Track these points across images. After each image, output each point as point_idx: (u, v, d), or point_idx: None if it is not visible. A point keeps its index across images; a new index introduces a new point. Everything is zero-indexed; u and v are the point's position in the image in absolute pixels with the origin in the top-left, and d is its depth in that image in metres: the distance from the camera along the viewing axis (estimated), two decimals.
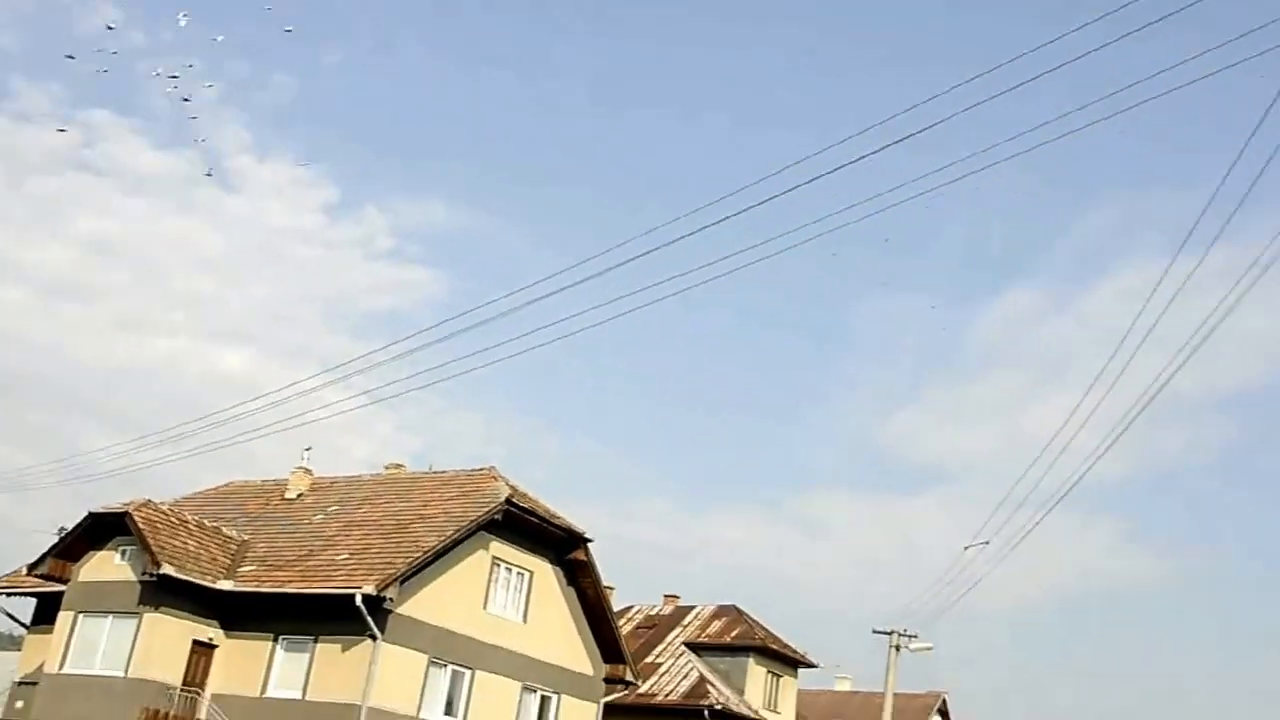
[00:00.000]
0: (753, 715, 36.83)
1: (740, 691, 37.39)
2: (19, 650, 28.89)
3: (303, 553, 24.16)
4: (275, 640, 22.85)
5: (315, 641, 22.22)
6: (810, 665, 41.74)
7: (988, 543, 21.53)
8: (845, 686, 57.50)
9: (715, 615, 41.60)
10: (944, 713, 55.97)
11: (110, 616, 22.70)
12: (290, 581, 22.78)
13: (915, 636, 32.49)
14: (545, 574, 26.41)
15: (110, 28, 76.97)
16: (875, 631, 32.70)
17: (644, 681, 34.59)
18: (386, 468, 30.38)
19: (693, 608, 42.74)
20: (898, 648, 32.45)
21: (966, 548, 22.81)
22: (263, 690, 22.54)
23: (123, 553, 23.27)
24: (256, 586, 22.93)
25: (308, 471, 29.09)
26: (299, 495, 28.27)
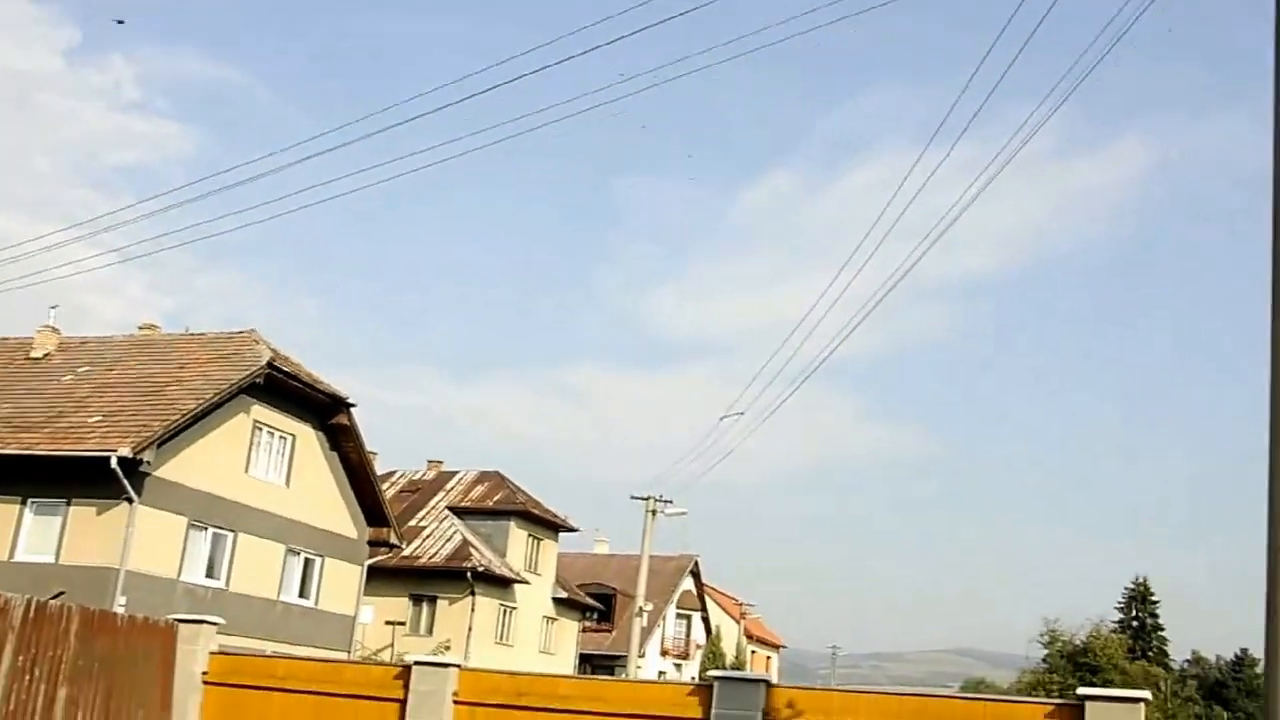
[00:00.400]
0: (514, 576, 40.00)
1: (502, 554, 40.38)
2: None
3: (52, 414, 24.57)
4: (24, 503, 23.33)
5: (68, 505, 22.88)
6: (570, 529, 45.25)
7: (742, 414, 24.40)
8: (603, 550, 62.10)
9: (478, 480, 44.17)
10: (696, 574, 61.51)
11: None
12: (39, 444, 23.23)
13: (671, 502, 36.20)
14: (308, 438, 27.83)
15: None
16: (633, 497, 36.17)
17: (408, 545, 36.89)
18: (140, 328, 30.58)
19: (456, 473, 45.14)
20: (654, 513, 36.08)
21: (722, 418, 25.62)
22: (10, 554, 23.12)
23: None
24: (1, 448, 23.25)
25: (55, 330, 28.98)
26: (45, 355, 28.24)
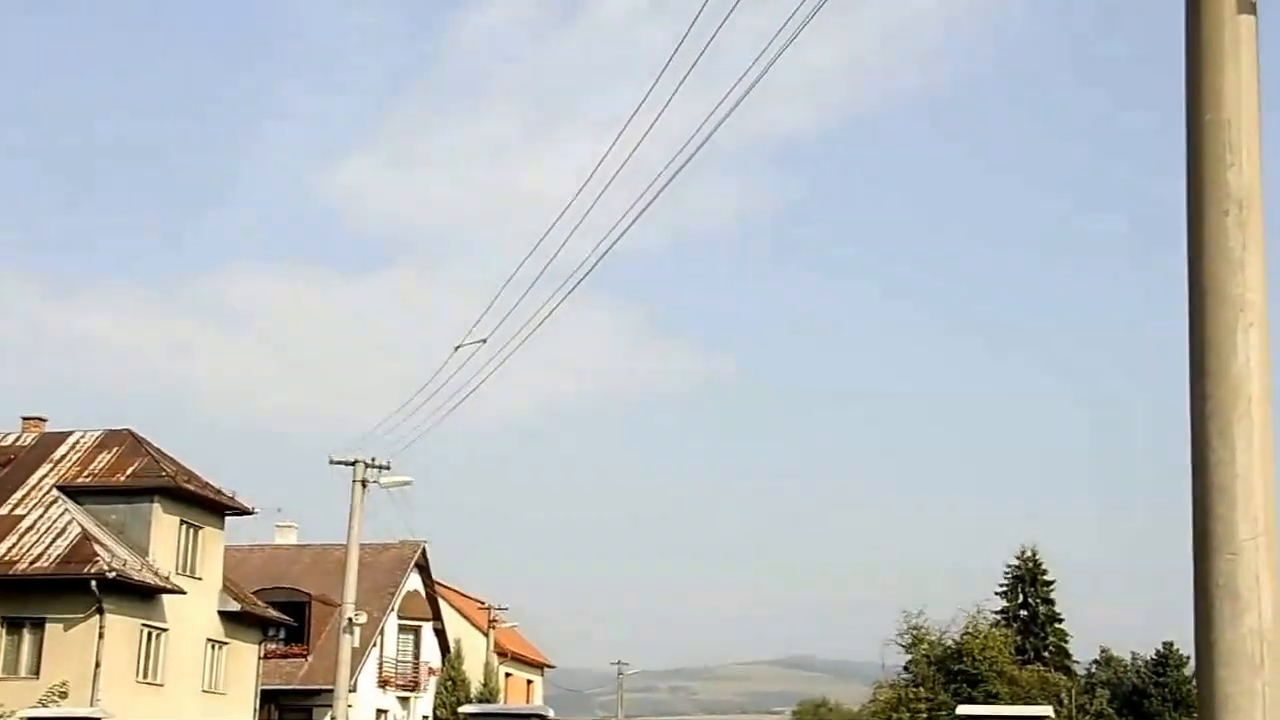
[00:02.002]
0: (160, 583, 40.01)
1: (142, 552, 40.27)
2: None
3: None
4: None
5: None
6: (242, 511, 45.47)
7: (484, 341, 25.31)
8: (290, 539, 62.46)
9: (101, 445, 43.66)
10: (424, 568, 62.77)
11: None
12: None
13: (387, 468, 36.91)
14: None
15: None
16: (334, 462, 36.67)
17: None
18: None
19: (67, 435, 44.43)
20: (364, 483, 36.77)
21: (458, 347, 26.49)
22: None
23: None
24: None
25: None
26: None
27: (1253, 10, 6.62)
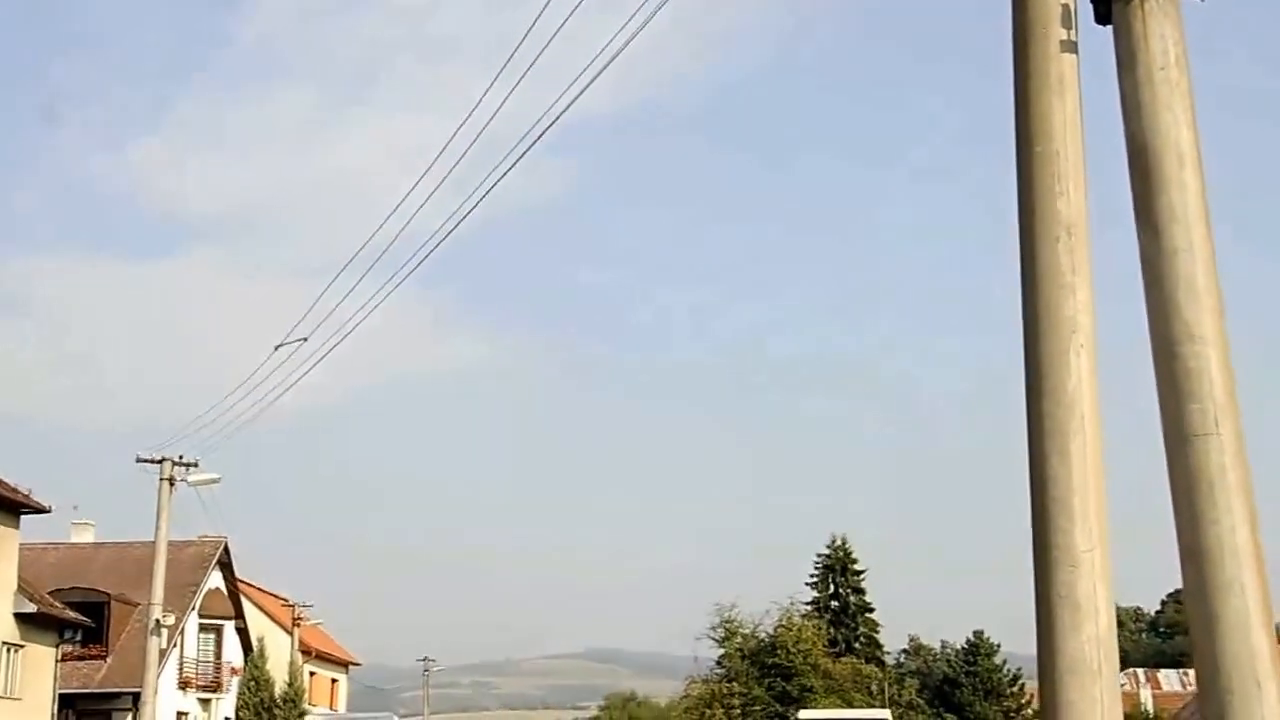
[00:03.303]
0: None
1: None
2: None
3: None
4: None
5: None
6: (38, 509, 44.48)
7: (305, 339, 25.38)
8: (87, 537, 61.13)
9: None
10: (226, 565, 62.01)
11: None
12: None
13: (196, 465, 36.60)
14: None
15: None
16: (141, 460, 36.26)
17: None
18: None
19: None
20: (171, 481, 36.38)
21: (278, 346, 26.56)
22: None
23: None
24: None
25: None
26: None
27: (1075, 50, 7.17)
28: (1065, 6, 7.15)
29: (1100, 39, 7.24)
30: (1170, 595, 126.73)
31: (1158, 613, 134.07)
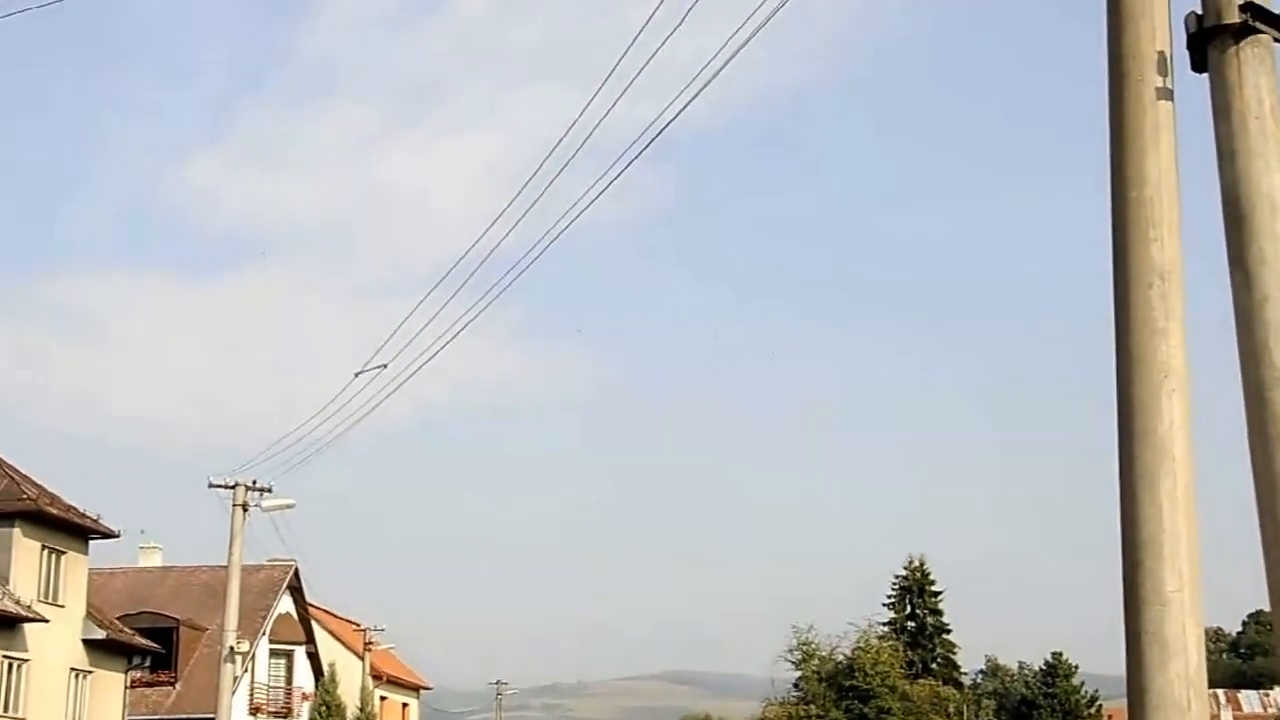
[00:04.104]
0: (23, 612, 39.68)
1: (3, 579, 39.89)
2: None
3: None
4: None
5: None
6: (107, 534, 45.15)
7: (384, 367, 25.74)
8: (155, 561, 61.97)
9: None
10: (297, 590, 62.64)
11: None
12: None
13: (269, 490, 37.05)
14: None
15: None
16: (214, 485, 36.74)
17: None
18: None
19: None
20: (245, 507, 36.83)
21: (358, 373, 26.95)
22: None
23: None
24: None
25: None
26: None
27: (1170, 97, 7.35)
28: (1161, 54, 7.35)
29: (1197, 86, 7.43)
30: (1251, 616, 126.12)
31: (1239, 634, 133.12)
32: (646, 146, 14.42)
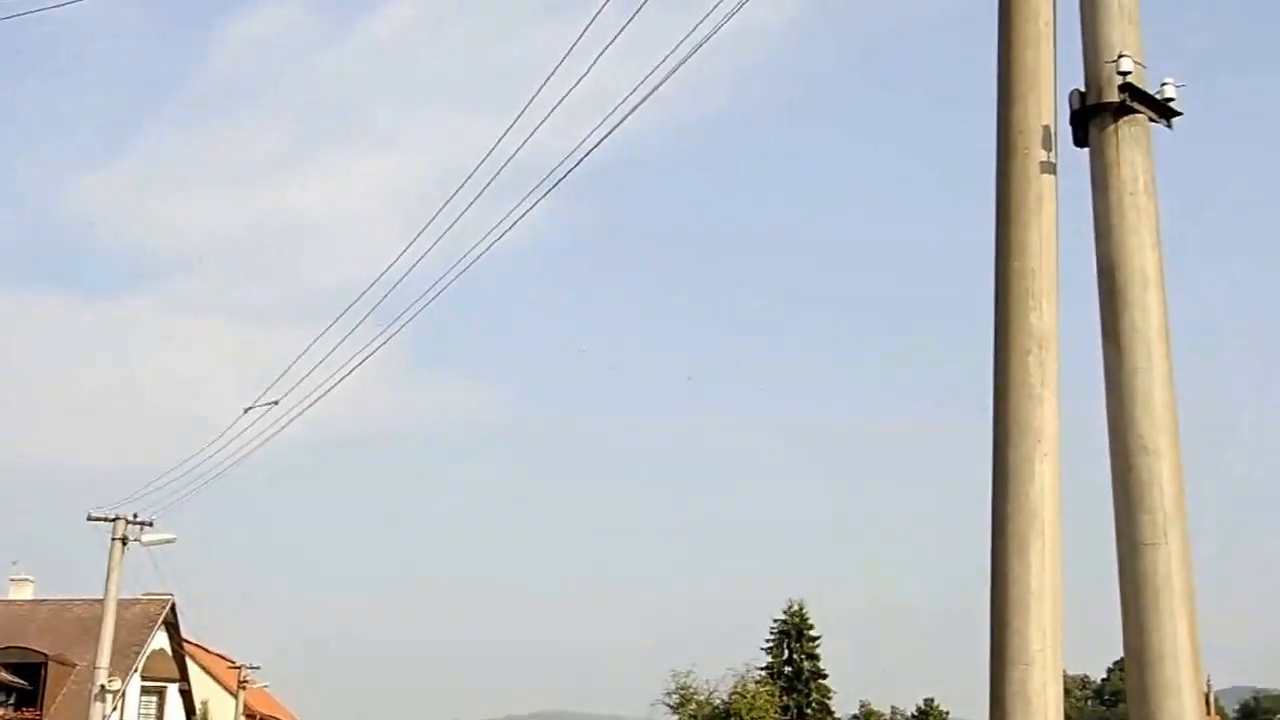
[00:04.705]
0: None
1: None
2: None
3: None
4: None
5: None
6: None
7: (276, 402, 25.53)
8: (26, 594, 60.57)
9: None
10: (172, 625, 61.53)
11: None
12: None
13: (150, 525, 36.51)
14: None
15: None
16: (92, 518, 36.15)
17: None
18: None
19: None
20: (124, 541, 36.27)
21: (248, 409, 26.73)
22: None
23: None
24: None
25: None
26: None
27: (1053, 171, 7.60)
28: (1046, 128, 7.61)
29: (1079, 161, 7.68)
30: (1116, 663, 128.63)
31: (1104, 680, 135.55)
32: (561, 180, 14.43)
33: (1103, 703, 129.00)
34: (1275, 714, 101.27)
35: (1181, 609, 7.13)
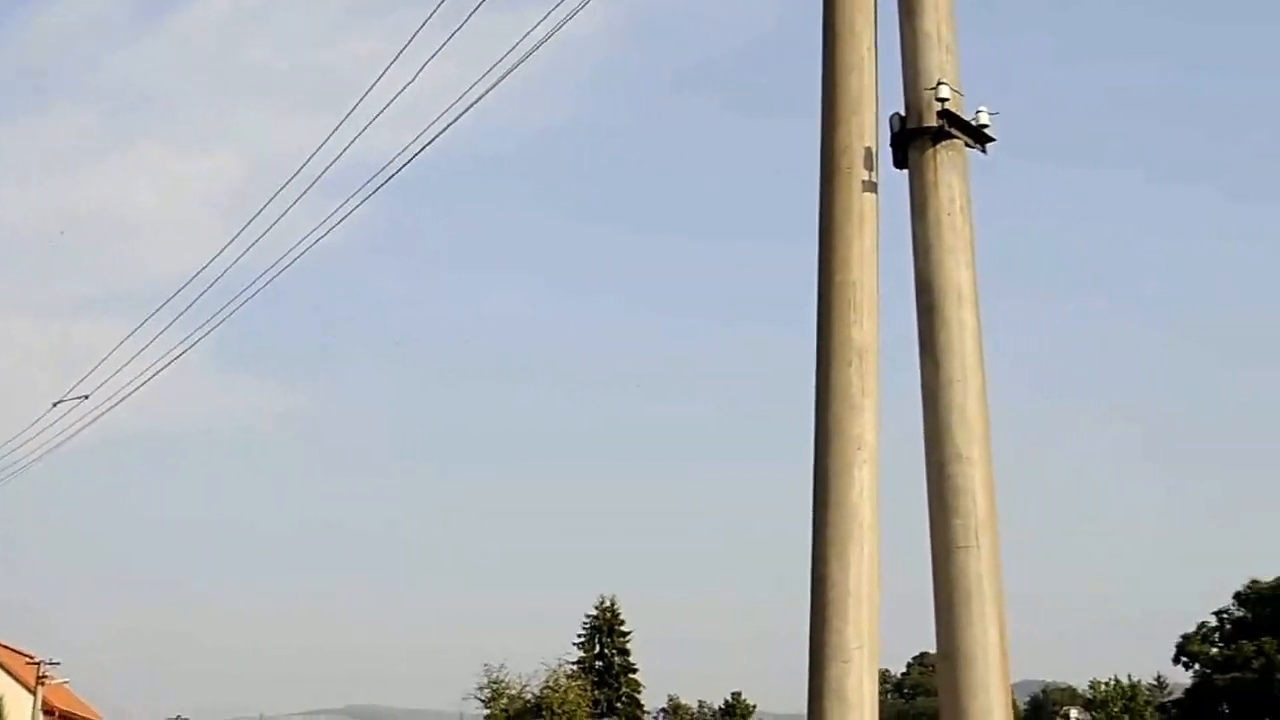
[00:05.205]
0: None
1: None
2: None
3: None
4: None
5: None
6: None
7: (86, 397, 24.94)
8: None
9: None
10: None
11: None
12: None
13: None
14: None
15: None
16: None
17: None
18: None
19: None
20: None
21: (56, 403, 26.07)
22: None
23: None
24: None
25: None
26: None
27: (875, 190, 7.90)
28: (869, 149, 7.91)
29: (901, 182, 8.00)
30: (915, 658, 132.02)
31: (903, 674, 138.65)
32: (386, 182, 14.43)
33: (901, 696, 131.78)
34: (1062, 706, 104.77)
35: (992, 610, 7.46)
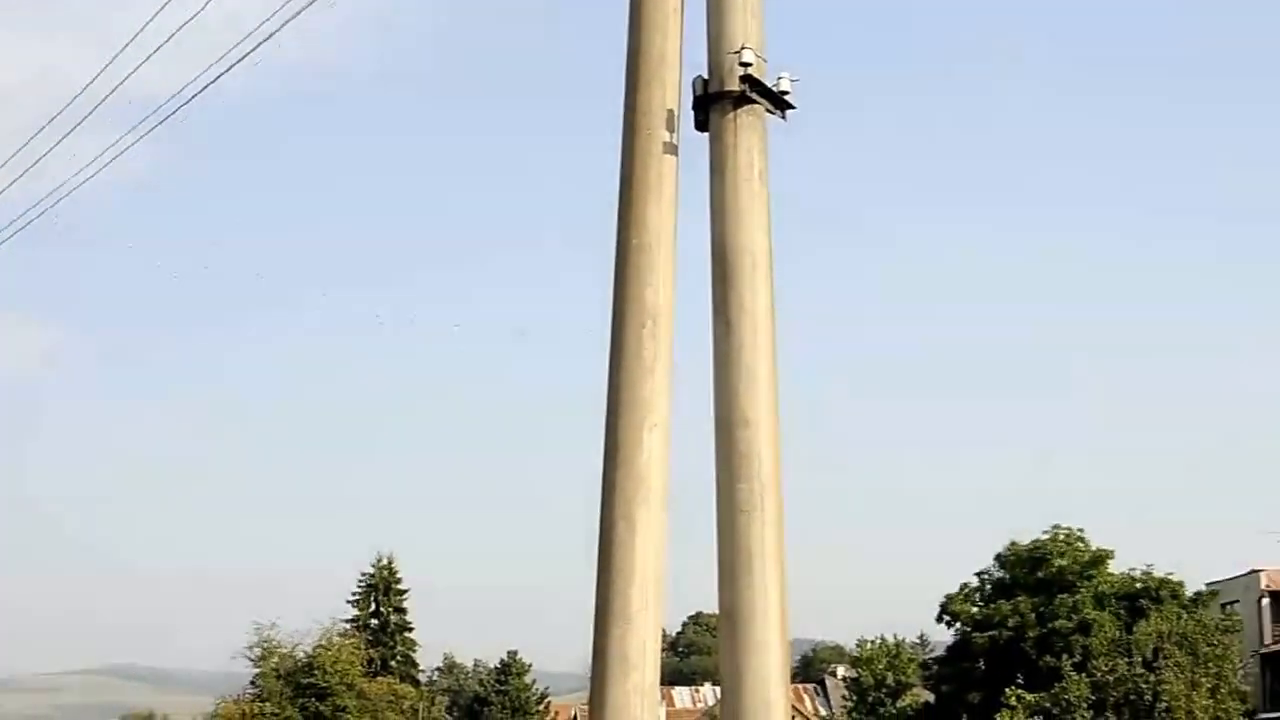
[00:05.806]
0: None
1: None
2: None
3: None
4: None
5: None
6: None
7: None
8: None
9: None
10: None
11: None
12: None
13: None
14: None
15: None
16: None
17: None
18: None
19: None
20: None
21: None
22: None
23: None
24: None
25: None
26: None
27: (675, 152, 7.87)
28: (670, 112, 7.88)
29: (700, 145, 7.95)
30: (691, 617, 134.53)
31: (679, 634, 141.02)
32: (162, 122, 13.93)
33: (676, 655, 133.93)
34: (830, 664, 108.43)
35: (774, 572, 7.54)
